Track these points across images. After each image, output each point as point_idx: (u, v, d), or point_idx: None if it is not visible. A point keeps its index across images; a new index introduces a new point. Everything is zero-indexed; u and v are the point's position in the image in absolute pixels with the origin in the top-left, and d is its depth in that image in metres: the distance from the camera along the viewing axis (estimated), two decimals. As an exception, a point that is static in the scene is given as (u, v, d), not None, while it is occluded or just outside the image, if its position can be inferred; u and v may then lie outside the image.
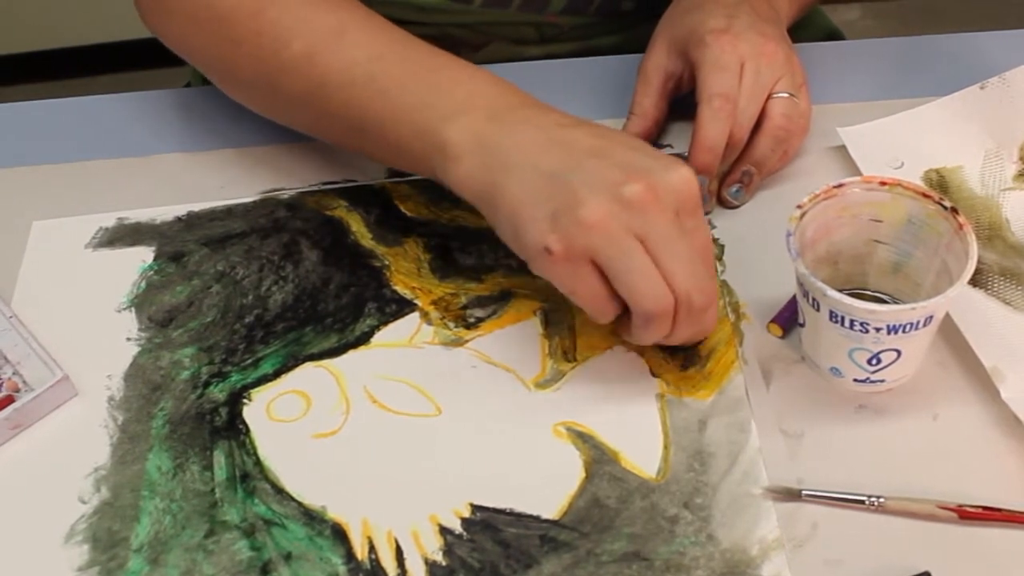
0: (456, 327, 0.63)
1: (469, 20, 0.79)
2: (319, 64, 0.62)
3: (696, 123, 0.65)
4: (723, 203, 0.69)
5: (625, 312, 0.56)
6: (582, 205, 0.52)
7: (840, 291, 0.54)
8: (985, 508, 0.53)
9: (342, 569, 0.54)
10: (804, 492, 0.55)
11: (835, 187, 0.58)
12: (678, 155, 0.71)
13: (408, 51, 0.62)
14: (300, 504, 0.56)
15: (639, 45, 0.72)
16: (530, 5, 0.79)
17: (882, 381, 0.58)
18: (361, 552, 0.54)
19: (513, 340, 0.62)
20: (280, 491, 0.57)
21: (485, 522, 0.55)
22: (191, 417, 0.60)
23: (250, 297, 0.65)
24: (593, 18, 0.82)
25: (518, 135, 0.56)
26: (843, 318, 0.54)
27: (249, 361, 0.62)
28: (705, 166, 0.66)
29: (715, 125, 0.65)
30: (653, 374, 0.60)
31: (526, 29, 0.81)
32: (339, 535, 0.55)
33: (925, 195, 0.57)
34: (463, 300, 0.64)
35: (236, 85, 0.69)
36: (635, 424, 0.58)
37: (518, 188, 0.55)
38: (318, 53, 0.62)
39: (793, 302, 0.61)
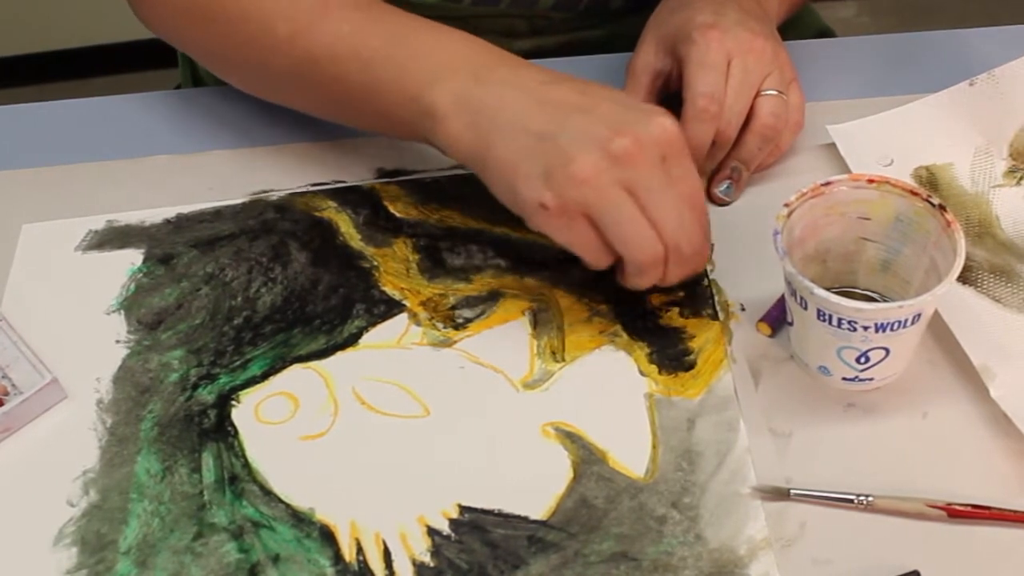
0: (445, 328, 0.63)
1: (460, 13, 0.80)
2: (304, 42, 0.64)
3: (680, 122, 0.65)
4: (713, 200, 0.69)
5: (621, 259, 0.58)
6: (573, 162, 0.55)
7: (829, 289, 0.54)
8: (974, 506, 0.53)
9: (330, 571, 0.53)
10: (793, 491, 0.55)
11: (823, 185, 0.58)
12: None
13: (389, 21, 0.64)
14: (288, 506, 0.56)
15: (627, 37, 0.73)
16: (520, 1, 0.79)
17: (871, 379, 0.58)
18: (349, 554, 0.54)
19: (502, 340, 0.62)
20: (268, 493, 0.57)
21: (473, 523, 0.55)
22: (179, 420, 0.60)
23: (239, 299, 0.65)
24: (583, 13, 0.82)
25: (503, 95, 0.58)
26: (831, 316, 0.54)
27: (237, 363, 0.62)
28: None
29: (699, 126, 0.65)
30: (641, 373, 0.60)
31: (517, 22, 0.82)
32: (327, 537, 0.55)
33: (913, 192, 0.57)
34: (452, 301, 0.64)
35: (227, 69, 0.72)
36: (623, 424, 0.58)
37: (510, 148, 0.57)
38: (303, 32, 0.64)
39: (782, 301, 0.61)
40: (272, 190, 0.71)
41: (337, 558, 0.54)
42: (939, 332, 0.60)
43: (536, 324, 0.63)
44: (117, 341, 0.64)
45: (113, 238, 0.69)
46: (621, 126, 0.56)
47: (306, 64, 0.65)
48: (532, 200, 0.56)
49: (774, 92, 0.67)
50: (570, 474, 0.56)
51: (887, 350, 0.56)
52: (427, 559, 0.54)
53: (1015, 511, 0.53)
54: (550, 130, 0.56)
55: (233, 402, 0.60)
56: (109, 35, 1.88)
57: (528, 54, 0.81)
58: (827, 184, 0.58)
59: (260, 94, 0.71)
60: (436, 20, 0.80)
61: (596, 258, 0.58)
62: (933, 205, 0.56)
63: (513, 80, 0.59)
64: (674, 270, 0.58)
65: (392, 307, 0.64)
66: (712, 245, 0.66)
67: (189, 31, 0.70)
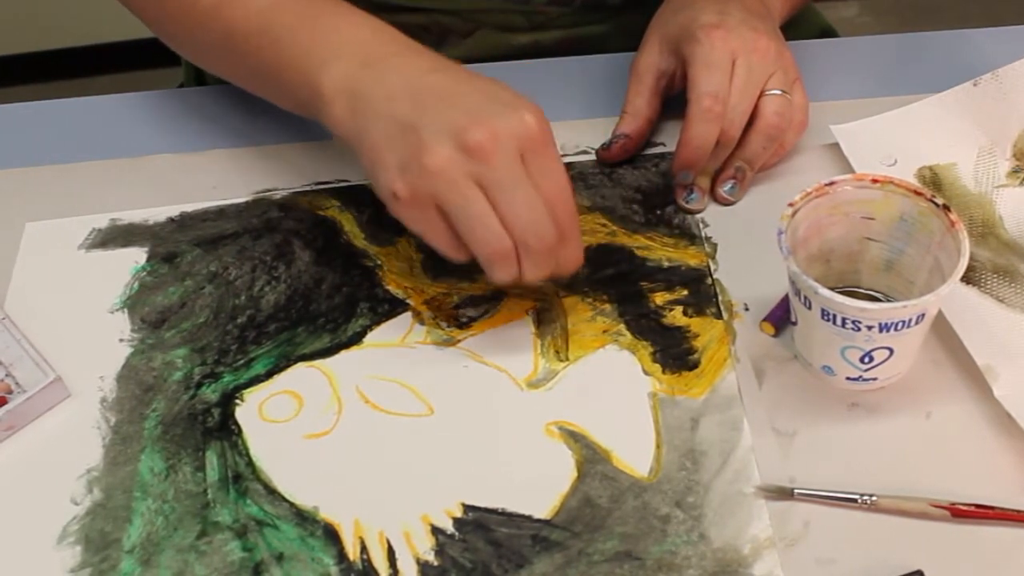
0: (448, 327, 0.63)
1: (457, 7, 0.80)
2: (224, 16, 0.66)
3: (685, 121, 0.65)
4: (717, 199, 0.69)
5: None
6: (425, 152, 0.55)
7: (833, 289, 0.54)
8: (978, 506, 0.53)
9: (334, 570, 0.54)
10: (796, 491, 0.55)
11: (827, 185, 0.58)
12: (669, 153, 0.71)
13: (303, 1, 0.65)
14: (292, 505, 0.56)
15: (627, 34, 0.73)
16: None
17: (874, 379, 0.58)
18: (353, 553, 0.54)
19: (505, 339, 0.62)
20: (272, 492, 0.57)
21: (477, 522, 0.55)
22: (183, 418, 0.60)
23: (243, 298, 0.65)
24: (580, 9, 0.82)
25: (382, 81, 0.59)
26: (835, 316, 0.54)
27: (241, 362, 0.62)
28: (689, 163, 0.66)
29: (703, 125, 0.65)
30: (645, 372, 0.60)
31: (514, 17, 0.82)
32: (331, 535, 0.55)
33: (917, 192, 0.57)
34: (455, 299, 0.64)
35: (166, 36, 0.74)
36: (627, 423, 0.58)
37: (376, 135, 0.58)
38: (224, 5, 0.66)
39: (786, 300, 0.61)
40: (275, 189, 0.71)
41: (341, 557, 0.54)
42: (943, 332, 0.60)
43: (540, 323, 0.63)
44: (121, 340, 0.64)
45: (116, 237, 0.69)
46: (480, 118, 0.55)
47: (225, 37, 0.66)
48: (387, 188, 0.56)
49: (778, 92, 0.67)
50: (574, 473, 0.56)
51: (891, 350, 0.56)
52: (431, 558, 0.54)
53: (1018, 511, 0.53)
54: (412, 119, 0.56)
55: (237, 401, 0.60)
56: (112, 34, 1.88)
57: (527, 49, 0.82)
58: (831, 184, 0.58)
59: (196, 63, 0.74)
60: (435, 11, 0.80)
61: (449, 250, 0.57)
62: (937, 205, 0.56)
63: (398, 67, 0.60)
64: (529, 267, 0.57)
65: (396, 306, 0.64)
66: (715, 244, 0.66)
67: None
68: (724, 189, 0.68)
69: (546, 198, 0.56)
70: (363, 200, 0.70)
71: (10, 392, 0.61)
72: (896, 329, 0.54)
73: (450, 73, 0.59)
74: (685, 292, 0.64)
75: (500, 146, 0.55)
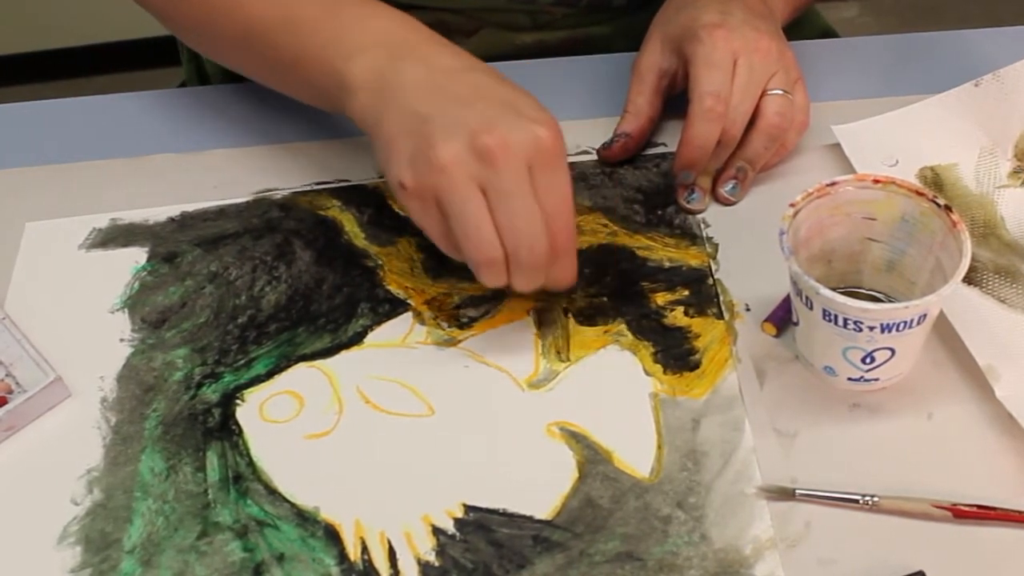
0: (449, 327, 0.63)
1: (462, 6, 0.80)
2: (245, 9, 0.66)
3: (686, 121, 0.65)
4: (719, 200, 0.69)
5: None
6: (435, 147, 0.55)
7: (834, 289, 0.54)
8: (979, 507, 0.53)
9: (335, 570, 0.53)
10: (798, 491, 0.55)
11: (828, 185, 0.58)
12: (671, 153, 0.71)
13: None
14: (293, 505, 0.56)
15: (632, 35, 0.72)
16: None
17: (876, 380, 0.58)
18: (354, 553, 0.54)
19: (506, 340, 0.62)
20: (273, 492, 0.56)
21: (478, 522, 0.55)
22: (184, 418, 0.60)
23: (243, 298, 0.65)
24: (585, 9, 0.82)
25: (409, 74, 0.59)
26: (836, 317, 0.54)
27: (242, 362, 0.62)
28: (690, 163, 0.66)
29: (704, 125, 0.65)
30: (646, 373, 0.60)
31: (519, 16, 0.82)
32: (332, 536, 0.55)
33: (918, 193, 0.57)
34: (456, 300, 0.64)
35: (181, 31, 0.74)
36: (628, 423, 0.58)
37: (393, 125, 0.58)
38: None
39: (787, 301, 0.61)
40: (276, 189, 0.71)
41: (342, 557, 0.54)
42: (944, 332, 0.60)
43: (541, 324, 0.63)
44: (121, 340, 0.64)
45: (117, 236, 0.69)
46: (493, 125, 0.55)
47: (246, 30, 0.66)
48: (396, 177, 0.57)
49: (780, 91, 0.67)
50: (575, 474, 0.56)
51: (892, 350, 0.55)
52: (432, 558, 0.54)
53: (1020, 511, 0.53)
54: (429, 113, 0.57)
55: (237, 401, 0.60)
56: (112, 34, 1.87)
57: (531, 49, 0.82)
58: (832, 184, 0.58)
59: (212, 57, 0.73)
60: (440, 9, 0.80)
61: (447, 247, 0.58)
62: (939, 206, 0.56)
63: (425, 61, 0.60)
64: (517, 278, 0.57)
65: (396, 306, 0.64)
66: (716, 244, 0.66)
67: None
68: (725, 189, 0.68)
69: (546, 213, 0.56)
70: (364, 200, 0.70)
71: (10, 392, 0.61)
72: (898, 330, 0.54)
73: (476, 75, 0.59)
74: (686, 292, 0.64)
75: (509, 155, 0.55)
